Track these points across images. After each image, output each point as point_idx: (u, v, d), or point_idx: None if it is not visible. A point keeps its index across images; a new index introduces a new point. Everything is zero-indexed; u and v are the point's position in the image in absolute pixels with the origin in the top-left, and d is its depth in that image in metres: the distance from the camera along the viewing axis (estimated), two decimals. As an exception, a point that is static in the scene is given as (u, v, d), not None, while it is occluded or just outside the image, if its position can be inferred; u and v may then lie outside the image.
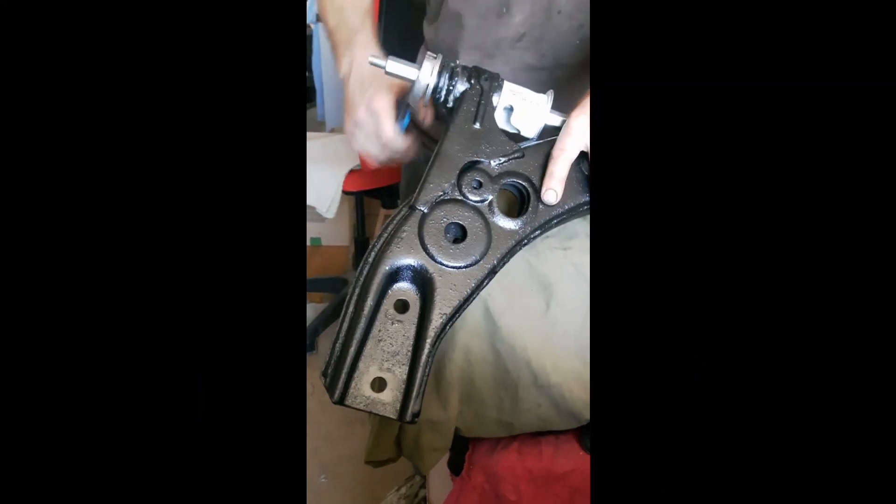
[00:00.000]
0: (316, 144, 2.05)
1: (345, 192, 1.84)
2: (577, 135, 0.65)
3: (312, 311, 2.14)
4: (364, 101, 0.77)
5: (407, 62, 0.69)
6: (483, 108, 0.67)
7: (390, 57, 0.69)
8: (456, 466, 0.81)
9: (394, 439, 0.73)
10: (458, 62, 0.69)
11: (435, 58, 0.68)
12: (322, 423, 1.67)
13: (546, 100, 0.70)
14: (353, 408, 0.55)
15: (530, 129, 0.70)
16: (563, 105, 0.70)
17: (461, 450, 0.79)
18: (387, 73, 0.69)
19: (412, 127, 0.80)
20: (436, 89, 0.68)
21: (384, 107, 0.76)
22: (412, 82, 0.69)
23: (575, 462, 0.72)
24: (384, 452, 0.74)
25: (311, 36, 2.88)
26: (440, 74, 0.68)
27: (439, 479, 1.01)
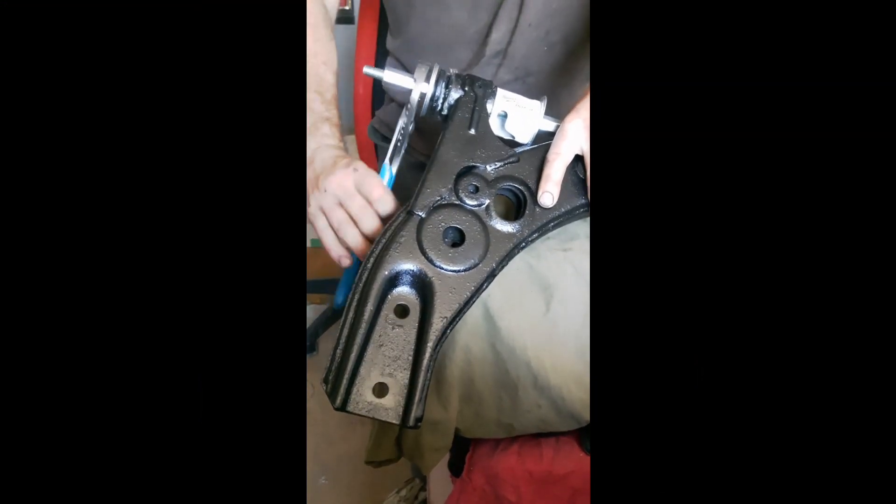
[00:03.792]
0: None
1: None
2: (572, 138, 0.66)
3: (313, 312, 2.14)
4: (335, 173, 0.67)
5: (404, 72, 0.71)
6: (478, 115, 0.68)
7: (387, 67, 0.71)
8: (456, 468, 0.81)
9: (394, 440, 0.73)
10: (451, 71, 0.71)
11: (430, 67, 0.70)
12: (322, 424, 1.67)
13: (540, 106, 0.71)
14: (356, 414, 0.56)
15: (525, 135, 0.71)
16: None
17: (461, 451, 0.79)
18: (385, 83, 0.71)
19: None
20: (433, 98, 0.69)
21: (365, 168, 0.67)
22: (409, 91, 0.70)
23: (575, 463, 0.72)
24: (385, 453, 0.74)
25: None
26: (437, 83, 0.69)
27: (439, 481, 1.01)
